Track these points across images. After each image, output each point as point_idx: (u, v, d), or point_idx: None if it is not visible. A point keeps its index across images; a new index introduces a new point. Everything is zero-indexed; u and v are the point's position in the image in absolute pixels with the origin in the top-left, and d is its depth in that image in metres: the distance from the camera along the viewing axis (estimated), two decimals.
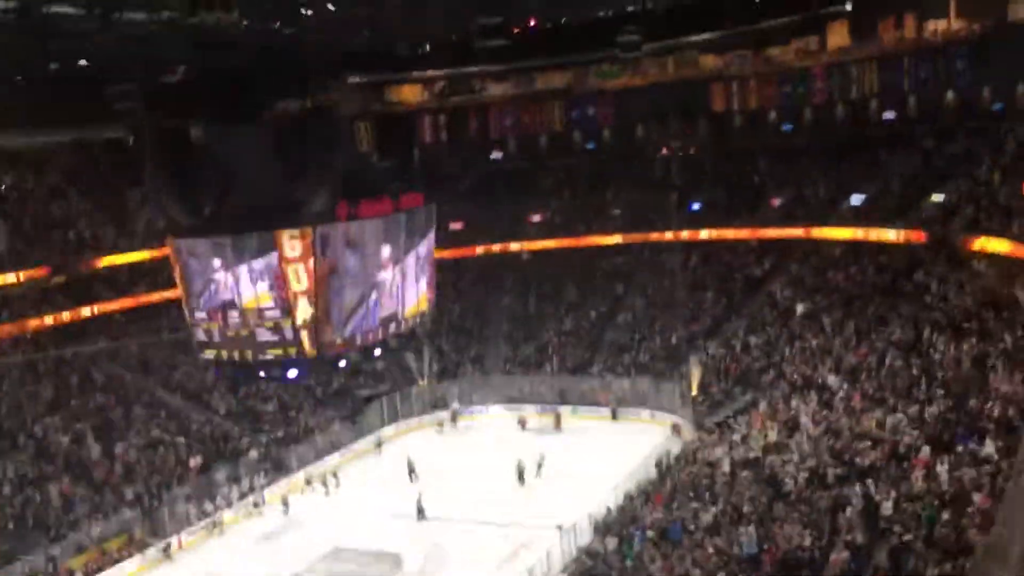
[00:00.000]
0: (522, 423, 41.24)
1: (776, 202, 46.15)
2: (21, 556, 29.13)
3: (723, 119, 51.90)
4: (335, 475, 36.71)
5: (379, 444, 40.39)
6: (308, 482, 36.47)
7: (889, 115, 46.70)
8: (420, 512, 32.06)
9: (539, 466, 34.41)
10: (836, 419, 27.55)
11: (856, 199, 42.91)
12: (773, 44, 50.13)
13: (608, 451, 36.15)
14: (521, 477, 33.91)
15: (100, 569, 29.54)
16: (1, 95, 39.74)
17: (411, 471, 35.39)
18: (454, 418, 42.91)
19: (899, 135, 44.85)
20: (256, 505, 34.50)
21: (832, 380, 31.20)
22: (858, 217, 41.93)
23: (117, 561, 30.06)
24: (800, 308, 39.41)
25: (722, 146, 51.18)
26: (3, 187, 42.42)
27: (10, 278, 38.75)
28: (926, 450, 22.71)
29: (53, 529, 30.52)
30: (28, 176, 44.81)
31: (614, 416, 40.32)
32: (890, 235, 39.37)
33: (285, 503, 34.45)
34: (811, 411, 29.08)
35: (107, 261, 42.35)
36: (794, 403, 30.70)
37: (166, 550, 30.98)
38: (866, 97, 47.10)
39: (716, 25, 50.09)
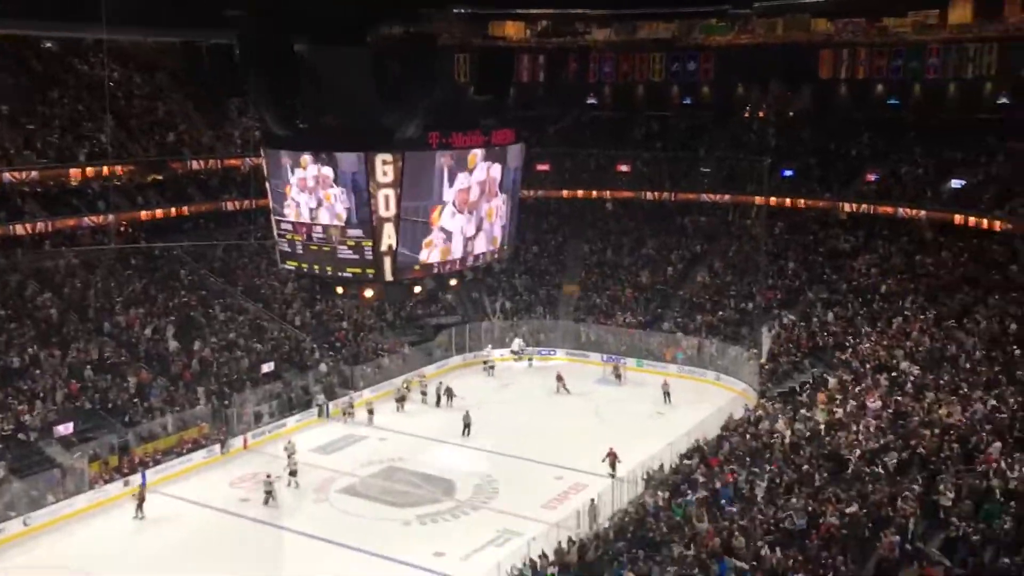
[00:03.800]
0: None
1: (871, 177, 45.04)
2: (95, 436, 30.56)
3: (828, 87, 50.55)
4: (403, 397, 37.53)
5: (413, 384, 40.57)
6: (372, 402, 37.38)
7: (1003, 100, 44.95)
8: (466, 428, 33.99)
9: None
10: (906, 405, 27.09)
11: (956, 183, 41.63)
12: (890, 14, 48.34)
13: (668, 408, 36.20)
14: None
15: (168, 458, 30.90)
16: None
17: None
18: (518, 357, 43.57)
19: (1011, 121, 43.17)
20: (320, 416, 35.55)
21: (907, 365, 30.62)
22: (956, 202, 40.68)
23: (185, 452, 31.41)
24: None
25: (823, 115, 49.95)
26: (111, 83, 43.58)
27: (110, 170, 40.10)
28: (997, 446, 22.25)
29: (128, 415, 31.86)
30: (136, 75, 46.01)
31: (666, 399, 37.44)
32: (987, 224, 38.16)
33: (347, 417, 35.57)
34: (881, 393, 28.63)
35: (201, 164, 43.44)
36: (865, 383, 30.25)
37: (227, 447, 32.28)
38: (982, 78, 45.28)
39: None
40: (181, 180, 42.98)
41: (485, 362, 42.74)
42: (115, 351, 34.71)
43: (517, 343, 43.97)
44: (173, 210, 41.76)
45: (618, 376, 40.87)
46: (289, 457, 30.32)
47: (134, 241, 40.44)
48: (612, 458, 29.84)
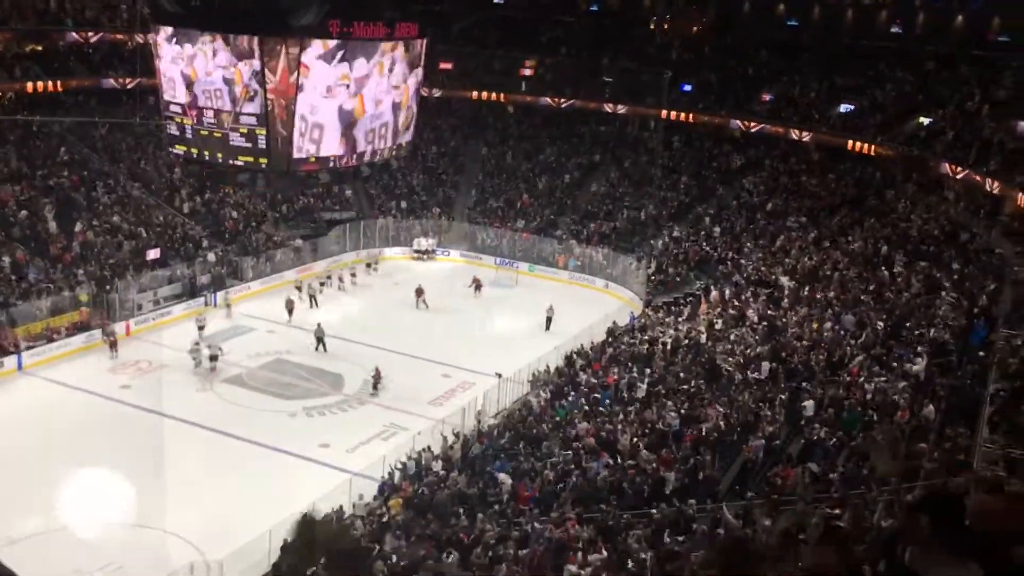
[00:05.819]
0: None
1: (766, 97, 45.96)
2: None
3: (732, 3, 50.90)
4: (298, 290, 37.10)
5: (371, 264, 41.11)
6: (264, 293, 36.94)
7: (896, 29, 46.16)
8: (319, 342, 31.72)
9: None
10: (781, 318, 28.39)
11: (845, 108, 42.91)
12: None
13: (557, 313, 36.94)
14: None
15: (46, 341, 30.01)
16: None
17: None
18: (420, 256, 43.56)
19: (902, 51, 44.49)
20: (206, 305, 34.96)
21: (785, 281, 31.96)
22: (843, 126, 42.02)
23: (63, 337, 30.55)
24: None
25: (725, 31, 50.38)
26: None
27: None
28: (859, 360, 23.60)
29: (3, 296, 30.72)
30: None
31: (548, 326, 35.39)
32: (869, 149, 39.64)
33: (230, 308, 35.05)
34: (759, 307, 29.89)
35: (84, 37, 41.10)
36: (744, 297, 31.52)
37: (111, 335, 31.31)
38: (878, 5, 46.33)
39: None
40: (62, 52, 40.67)
41: (416, 251, 43.44)
42: None
43: (425, 241, 43.78)
44: (53, 84, 39.57)
45: (477, 288, 38.87)
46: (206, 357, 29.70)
47: (10, 114, 38.33)
48: (376, 377, 29.00)
